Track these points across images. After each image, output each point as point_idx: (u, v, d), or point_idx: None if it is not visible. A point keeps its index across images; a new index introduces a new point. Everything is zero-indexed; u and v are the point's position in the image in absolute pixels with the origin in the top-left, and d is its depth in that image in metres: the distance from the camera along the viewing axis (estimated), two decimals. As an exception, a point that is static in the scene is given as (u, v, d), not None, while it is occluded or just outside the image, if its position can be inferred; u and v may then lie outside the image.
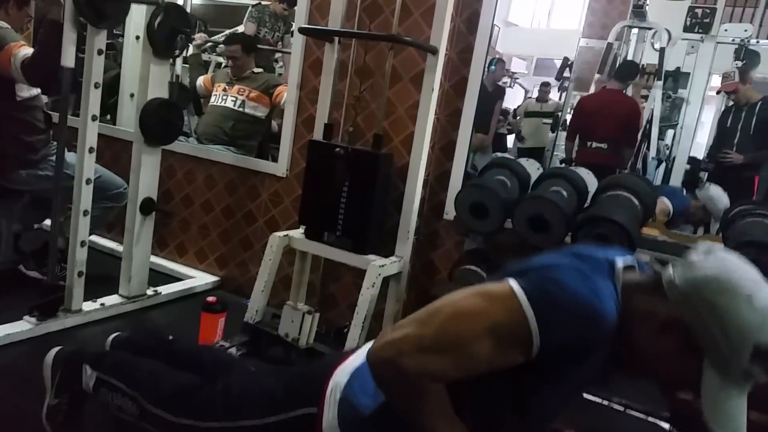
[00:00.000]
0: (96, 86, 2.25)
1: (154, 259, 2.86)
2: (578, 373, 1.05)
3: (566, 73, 3.88)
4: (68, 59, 2.14)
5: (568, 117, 3.74)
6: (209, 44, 4.17)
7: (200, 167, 3.12)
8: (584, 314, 0.96)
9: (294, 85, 2.76)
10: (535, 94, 4.55)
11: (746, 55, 2.97)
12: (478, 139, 3.02)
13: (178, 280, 3.00)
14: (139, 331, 2.37)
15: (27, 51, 2.30)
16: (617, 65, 3.48)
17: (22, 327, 2.20)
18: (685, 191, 2.81)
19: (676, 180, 3.16)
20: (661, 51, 3.28)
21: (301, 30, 2.49)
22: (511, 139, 4.45)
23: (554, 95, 4.34)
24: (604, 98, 3.44)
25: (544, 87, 4.41)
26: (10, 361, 2.04)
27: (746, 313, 0.92)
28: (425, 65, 2.24)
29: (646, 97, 3.37)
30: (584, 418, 1.81)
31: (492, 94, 3.60)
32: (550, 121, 4.14)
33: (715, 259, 0.99)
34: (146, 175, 2.56)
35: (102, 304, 2.50)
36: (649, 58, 3.46)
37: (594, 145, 3.24)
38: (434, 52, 2.19)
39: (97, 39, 2.22)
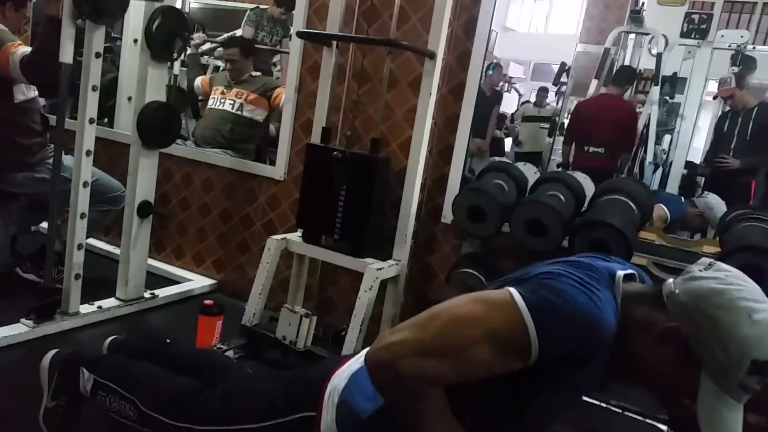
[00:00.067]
0: (94, 89, 2.25)
1: (151, 262, 2.87)
2: (577, 379, 1.05)
3: (563, 78, 3.89)
4: (66, 55, 2.13)
5: (566, 121, 3.74)
6: (208, 47, 4.17)
7: (198, 170, 3.12)
8: (584, 323, 0.96)
9: (292, 88, 2.76)
10: (532, 99, 4.56)
11: (743, 61, 2.98)
12: (476, 143, 3.02)
13: (176, 283, 3.00)
14: (137, 334, 2.37)
15: (25, 49, 2.30)
16: (614, 70, 3.49)
17: (19, 330, 2.20)
18: (682, 198, 2.82)
19: (673, 184, 3.16)
20: (658, 56, 3.29)
21: (299, 34, 2.49)
22: (509, 143, 4.46)
23: (551, 99, 4.35)
24: (601, 103, 3.44)
25: (542, 92, 4.42)
26: (7, 364, 2.04)
27: (746, 327, 0.93)
28: (423, 69, 2.25)
29: (643, 102, 3.39)
30: (582, 420, 1.81)
31: (489, 99, 3.60)
32: (547, 125, 4.14)
33: (717, 273, 0.99)
34: (143, 179, 2.56)
35: (99, 307, 2.50)
36: (646, 64, 3.47)
37: (591, 149, 3.24)
38: (432, 56, 2.19)
39: (96, 38, 2.21)
